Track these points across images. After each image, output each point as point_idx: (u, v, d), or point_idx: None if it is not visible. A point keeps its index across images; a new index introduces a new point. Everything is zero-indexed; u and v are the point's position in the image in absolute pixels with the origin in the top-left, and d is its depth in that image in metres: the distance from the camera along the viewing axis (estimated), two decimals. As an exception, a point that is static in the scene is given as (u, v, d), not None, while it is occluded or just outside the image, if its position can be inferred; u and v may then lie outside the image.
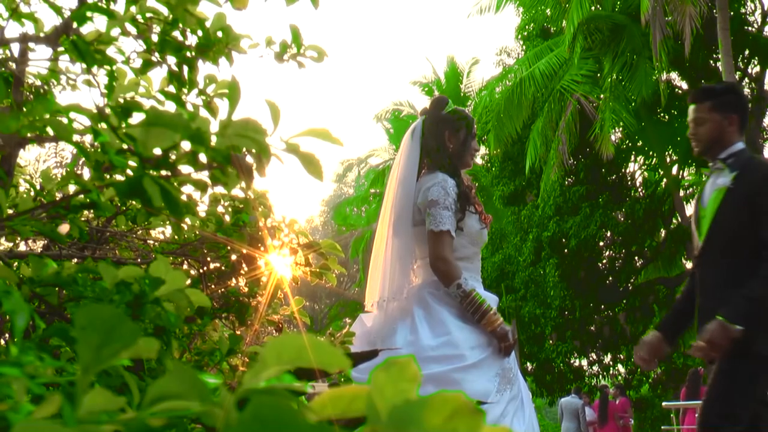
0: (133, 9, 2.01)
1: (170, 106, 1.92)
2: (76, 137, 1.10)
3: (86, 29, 1.91)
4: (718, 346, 4.10)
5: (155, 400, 0.61)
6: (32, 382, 0.68)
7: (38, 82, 2.59)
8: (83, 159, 1.27)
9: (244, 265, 2.92)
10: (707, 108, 4.41)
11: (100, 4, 1.96)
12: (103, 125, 0.96)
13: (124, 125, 0.95)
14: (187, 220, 2.54)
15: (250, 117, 0.94)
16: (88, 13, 1.61)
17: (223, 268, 2.94)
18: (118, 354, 0.62)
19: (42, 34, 2.00)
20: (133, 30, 2.03)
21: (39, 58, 2.24)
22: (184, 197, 1.52)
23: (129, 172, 1.01)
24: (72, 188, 2.30)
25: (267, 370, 0.65)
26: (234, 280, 2.96)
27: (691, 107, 4.50)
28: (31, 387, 0.67)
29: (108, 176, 1.05)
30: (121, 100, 1.54)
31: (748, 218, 4.17)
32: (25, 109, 1.22)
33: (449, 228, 4.06)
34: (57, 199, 1.46)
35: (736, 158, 4.32)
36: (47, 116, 1.11)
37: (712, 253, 4.34)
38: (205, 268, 2.95)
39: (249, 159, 1.05)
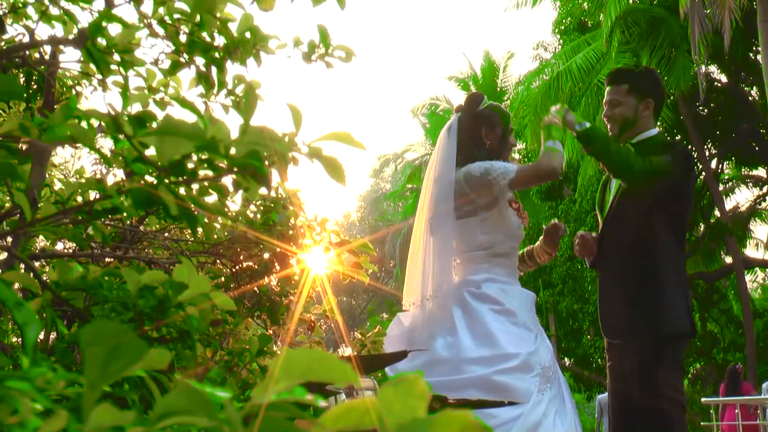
0: (161, 10, 2.02)
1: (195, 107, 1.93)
2: (100, 141, 1.11)
3: (115, 30, 1.92)
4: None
5: (163, 415, 0.61)
6: (41, 395, 0.68)
7: (69, 83, 2.61)
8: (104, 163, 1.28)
9: (276, 265, 2.93)
10: (624, 91, 4.42)
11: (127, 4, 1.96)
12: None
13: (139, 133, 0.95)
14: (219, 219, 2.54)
15: (266, 125, 0.94)
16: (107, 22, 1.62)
17: (256, 267, 2.94)
18: (124, 370, 0.61)
19: (71, 36, 2.01)
20: (161, 31, 2.03)
21: (69, 60, 2.26)
22: (211, 199, 1.51)
23: (149, 178, 1.01)
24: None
25: (276, 384, 0.64)
26: (266, 279, 2.97)
27: (608, 89, 4.51)
28: (39, 401, 0.67)
29: (126, 183, 1.05)
30: (131, 110, 1.55)
31: (639, 205, 4.21)
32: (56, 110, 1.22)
33: (515, 168, 4.10)
34: (79, 204, 1.47)
35: (644, 144, 4.32)
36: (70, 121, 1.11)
37: (608, 236, 4.37)
38: (237, 267, 2.96)
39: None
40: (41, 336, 1.79)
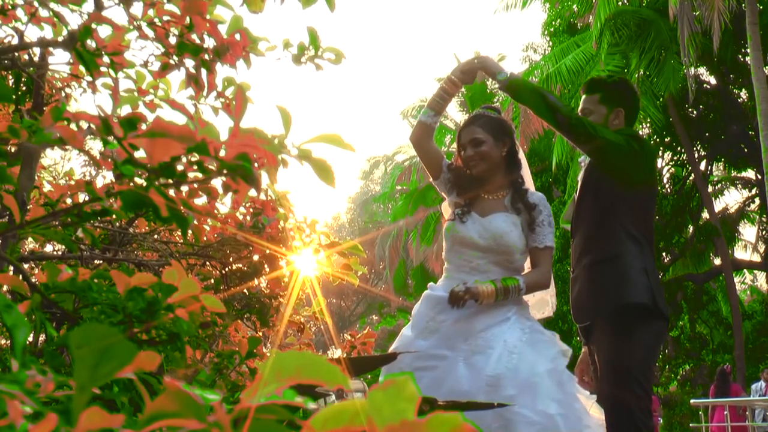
0: (150, 12, 2.01)
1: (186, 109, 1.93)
2: (89, 143, 1.11)
3: (104, 32, 1.92)
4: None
5: (152, 418, 0.61)
6: (30, 398, 0.67)
7: (59, 85, 2.60)
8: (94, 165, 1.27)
9: (266, 267, 2.93)
10: (596, 100, 4.47)
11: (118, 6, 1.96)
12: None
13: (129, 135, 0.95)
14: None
15: (256, 127, 0.94)
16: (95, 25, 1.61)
17: (245, 269, 2.94)
18: (114, 372, 0.61)
19: (61, 38, 2.00)
20: (150, 33, 2.03)
21: (59, 62, 2.25)
22: (201, 201, 1.51)
23: (138, 180, 1.01)
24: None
25: (266, 387, 0.64)
26: (256, 281, 2.97)
27: (583, 97, 4.57)
28: (31, 402, 0.67)
29: (116, 185, 1.05)
30: (120, 112, 1.55)
31: (597, 199, 4.32)
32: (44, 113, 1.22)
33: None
34: (68, 206, 1.46)
35: None
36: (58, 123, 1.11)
37: (575, 227, 4.49)
38: (226, 269, 2.96)
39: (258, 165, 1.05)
40: (30, 338, 1.78)
